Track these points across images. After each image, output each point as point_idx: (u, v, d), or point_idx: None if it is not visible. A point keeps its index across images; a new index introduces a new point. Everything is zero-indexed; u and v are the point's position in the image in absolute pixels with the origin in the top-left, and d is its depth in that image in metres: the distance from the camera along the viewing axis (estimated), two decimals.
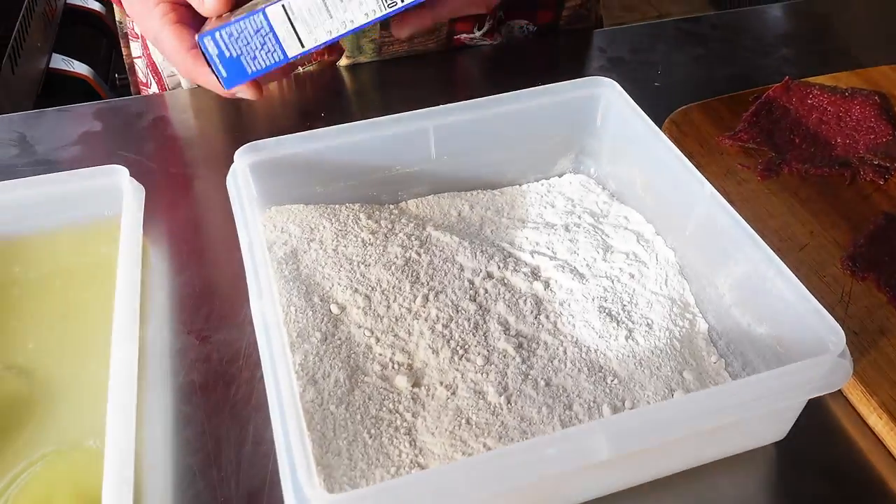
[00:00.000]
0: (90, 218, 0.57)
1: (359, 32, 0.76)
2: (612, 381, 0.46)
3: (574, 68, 0.78)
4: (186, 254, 0.58)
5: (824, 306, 0.43)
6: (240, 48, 0.48)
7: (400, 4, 0.48)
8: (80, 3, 1.59)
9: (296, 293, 0.50)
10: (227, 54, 0.48)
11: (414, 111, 0.55)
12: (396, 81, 0.76)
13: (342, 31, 0.48)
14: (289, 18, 0.47)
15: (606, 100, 0.57)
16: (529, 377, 0.47)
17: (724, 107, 0.68)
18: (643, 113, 0.55)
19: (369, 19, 0.49)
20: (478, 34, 0.79)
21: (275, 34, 0.48)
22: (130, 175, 0.56)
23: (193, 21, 0.54)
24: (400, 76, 0.76)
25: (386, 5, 0.48)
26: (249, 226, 0.47)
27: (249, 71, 0.49)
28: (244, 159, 0.52)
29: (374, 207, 0.57)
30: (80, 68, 1.36)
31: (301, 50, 0.49)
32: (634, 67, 0.77)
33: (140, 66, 0.82)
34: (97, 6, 1.61)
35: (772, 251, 0.45)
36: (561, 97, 0.57)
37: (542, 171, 0.61)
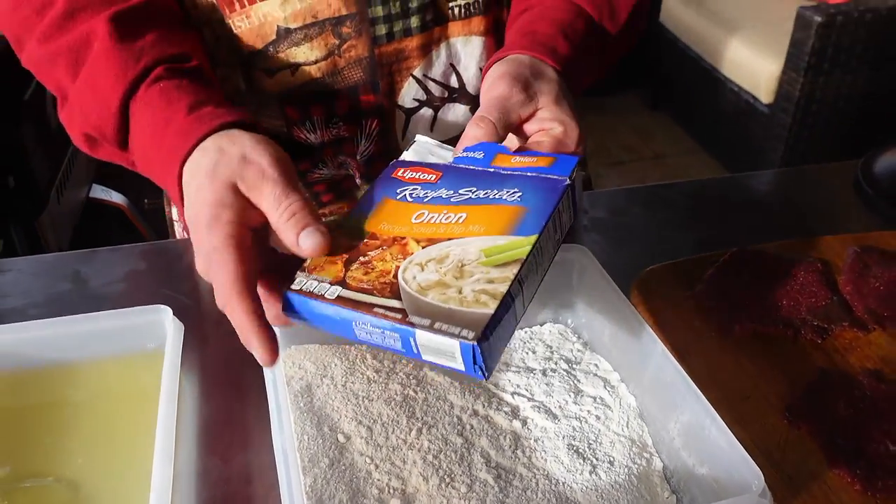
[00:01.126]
0: (135, 350, 0.66)
1: None
2: None
3: None
4: (214, 384, 0.67)
5: (763, 451, 0.50)
6: (499, 337, 0.44)
7: (561, 240, 0.50)
8: None
9: (308, 423, 0.58)
10: (493, 348, 0.43)
11: None
12: None
13: (539, 283, 0.48)
14: (522, 289, 0.45)
15: (580, 264, 0.67)
16: None
17: (687, 268, 0.78)
18: (609, 278, 0.64)
19: (551, 262, 0.50)
20: None
21: (514, 309, 0.45)
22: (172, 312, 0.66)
23: (251, 246, 0.50)
24: None
25: (558, 246, 0.50)
26: (275, 370, 0.56)
27: (498, 354, 0.44)
28: None
29: (378, 350, 0.66)
30: (116, 198, 1.49)
31: (521, 315, 0.47)
32: (612, 227, 0.87)
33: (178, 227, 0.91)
34: None
35: (709, 404, 0.53)
36: None
37: (526, 321, 0.71)
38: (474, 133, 0.56)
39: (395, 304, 0.45)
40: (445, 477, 0.56)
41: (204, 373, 0.68)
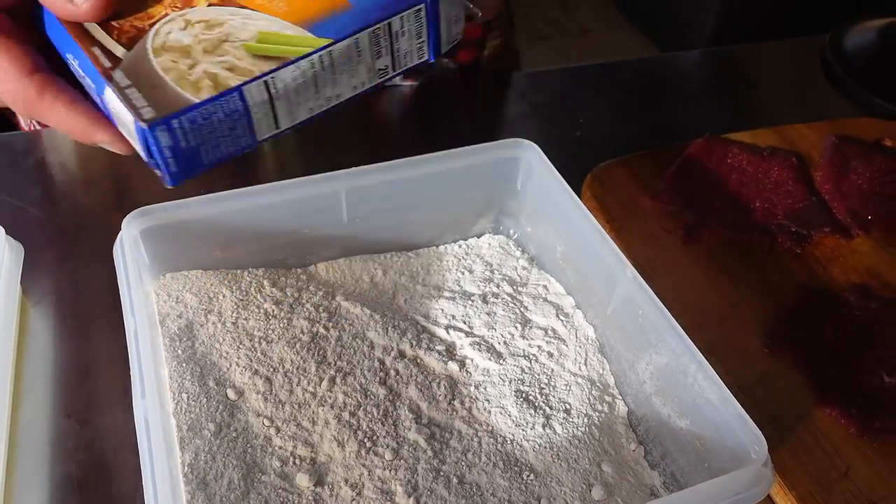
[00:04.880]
0: None
1: None
2: (528, 476, 0.44)
3: (495, 113, 0.75)
4: (70, 323, 0.53)
5: (742, 388, 0.41)
6: (202, 137, 0.36)
7: (391, 73, 0.41)
8: None
9: (188, 377, 0.45)
10: (184, 145, 0.36)
11: (324, 174, 0.51)
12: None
13: (324, 108, 0.40)
14: (270, 97, 0.37)
15: (527, 163, 0.55)
16: (441, 473, 0.43)
17: (647, 164, 0.66)
18: (563, 181, 0.52)
19: (357, 91, 0.40)
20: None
21: (249, 116, 0.37)
22: (11, 225, 0.51)
23: (17, 29, 0.39)
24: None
25: (377, 76, 0.40)
26: (136, 308, 0.42)
27: (206, 161, 0.37)
28: (133, 227, 0.47)
29: (280, 273, 0.53)
30: None
31: (274, 132, 0.39)
32: (556, 115, 0.75)
33: None
34: None
35: (693, 345, 0.43)
36: (481, 159, 0.54)
37: (460, 232, 0.58)
38: None
39: (120, 51, 0.36)
40: (366, 440, 0.44)
41: (58, 306, 0.54)
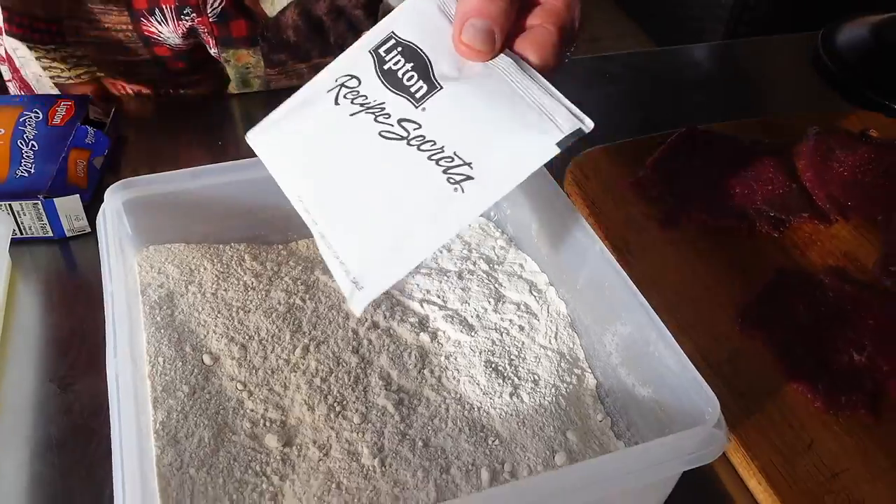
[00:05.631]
0: None
1: (244, 70, 0.73)
2: (493, 441, 0.45)
3: None
4: (56, 290, 0.54)
5: (712, 365, 0.41)
6: None
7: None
8: None
9: (166, 342, 0.47)
10: None
11: None
12: None
13: None
14: None
15: None
16: (407, 437, 0.45)
17: (629, 151, 0.68)
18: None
19: None
20: None
21: None
22: None
23: None
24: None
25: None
26: (114, 274, 0.44)
27: None
28: (117, 198, 0.49)
29: (262, 248, 0.55)
30: None
31: None
32: None
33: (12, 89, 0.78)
34: None
35: (655, 315, 0.44)
36: None
37: None
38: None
39: None
40: (335, 405, 0.46)
41: (44, 275, 0.56)
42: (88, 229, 0.58)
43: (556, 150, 0.38)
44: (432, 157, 0.39)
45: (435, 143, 0.39)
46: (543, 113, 0.40)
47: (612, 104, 0.78)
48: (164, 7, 0.67)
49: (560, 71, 0.81)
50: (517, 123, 0.39)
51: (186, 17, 0.68)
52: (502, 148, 0.39)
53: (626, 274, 0.46)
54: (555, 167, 0.53)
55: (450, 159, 0.39)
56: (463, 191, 0.38)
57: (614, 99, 0.78)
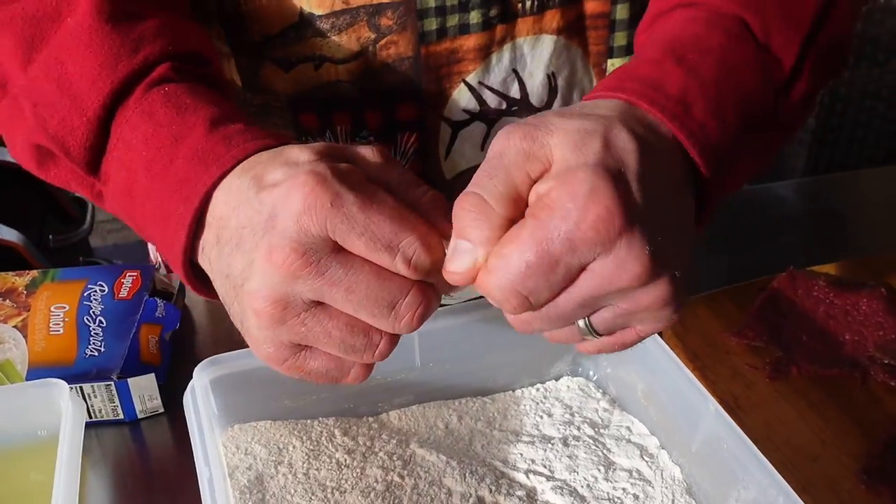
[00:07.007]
0: (20, 439, 0.54)
1: None
2: None
3: None
4: (130, 483, 0.55)
5: None
6: None
7: None
8: (8, 160, 1.34)
9: None
10: None
11: None
12: None
13: None
14: None
15: None
16: None
17: (728, 300, 0.68)
18: None
19: None
20: None
21: None
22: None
23: None
24: None
25: None
26: (211, 459, 0.45)
27: None
28: (204, 376, 0.50)
29: (351, 421, 0.56)
30: (9, 235, 1.30)
31: None
32: None
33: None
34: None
35: (780, 477, 0.42)
36: None
37: (537, 375, 0.60)
38: None
39: None
40: None
41: (116, 468, 0.56)
42: (161, 409, 0.59)
43: None
44: None
45: None
46: None
47: (699, 250, 0.77)
48: None
49: None
50: None
51: None
52: None
53: (745, 435, 0.44)
54: None
55: None
56: None
57: (701, 244, 0.78)
